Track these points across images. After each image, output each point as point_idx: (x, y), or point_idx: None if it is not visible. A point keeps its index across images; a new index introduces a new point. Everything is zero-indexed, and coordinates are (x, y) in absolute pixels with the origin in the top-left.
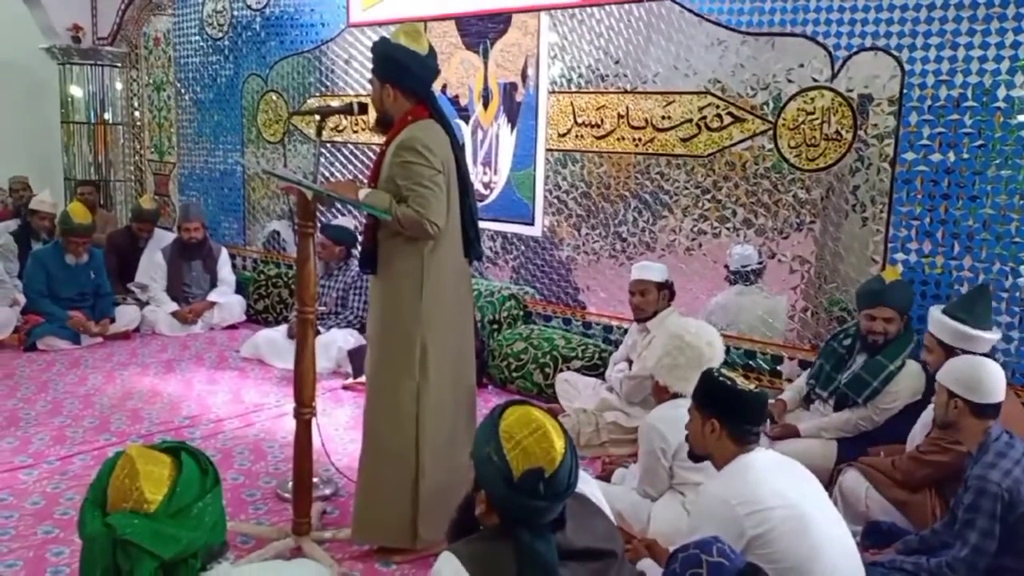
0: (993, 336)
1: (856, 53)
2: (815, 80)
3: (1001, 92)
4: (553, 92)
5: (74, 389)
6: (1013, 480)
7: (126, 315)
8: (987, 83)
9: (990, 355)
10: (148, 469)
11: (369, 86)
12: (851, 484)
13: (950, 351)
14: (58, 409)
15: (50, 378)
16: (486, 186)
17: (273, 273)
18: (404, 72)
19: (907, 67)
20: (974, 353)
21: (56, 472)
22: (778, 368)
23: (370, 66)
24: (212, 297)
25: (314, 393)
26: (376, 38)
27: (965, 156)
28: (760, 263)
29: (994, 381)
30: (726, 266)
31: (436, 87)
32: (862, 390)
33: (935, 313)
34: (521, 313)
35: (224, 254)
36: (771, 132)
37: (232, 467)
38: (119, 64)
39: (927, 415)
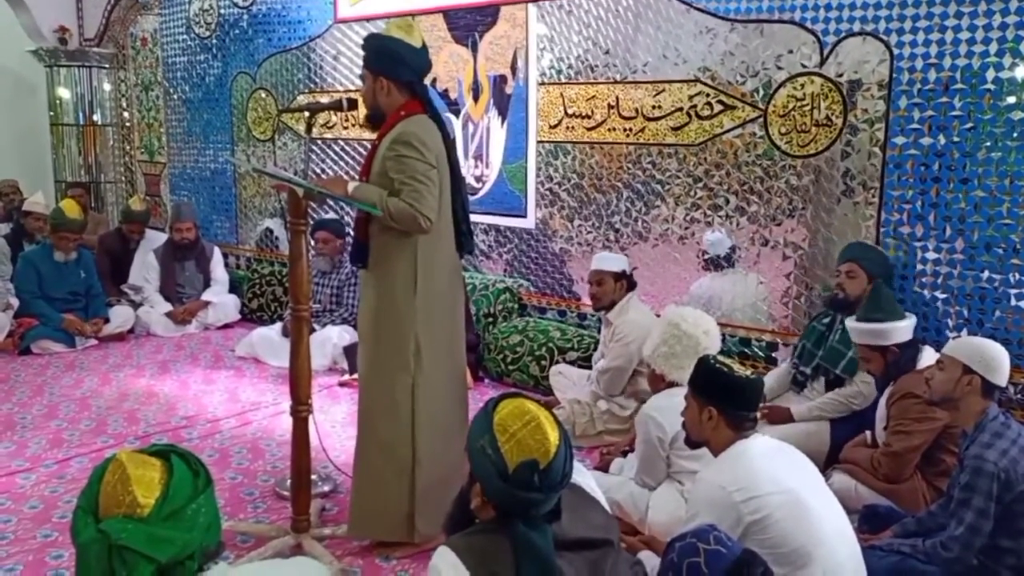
0: (910, 321)
1: (844, 38)
2: (804, 66)
3: (990, 74)
4: (543, 84)
5: (70, 392)
6: (1010, 460)
7: (120, 316)
8: (976, 65)
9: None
10: (139, 473)
11: (358, 81)
12: (840, 485)
13: (884, 352)
14: (54, 412)
15: (45, 381)
16: (478, 179)
17: (267, 271)
18: (399, 64)
19: (896, 51)
20: (905, 346)
21: (54, 475)
22: (773, 355)
23: (359, 61)
24: (206, 297)
25: (310, 390)
26: (364, 33)
27: (955, 139)
28: (732, 248)
29: (1007, 365)
30: (704, 252)
31: (426, 81)
32: (838, 360)
33: (851, 324)
34: (516, 306)
35: (217, 253)
36: (761, 119)
37: (230, 466)
38: (107, 65)
39: (880, 410)
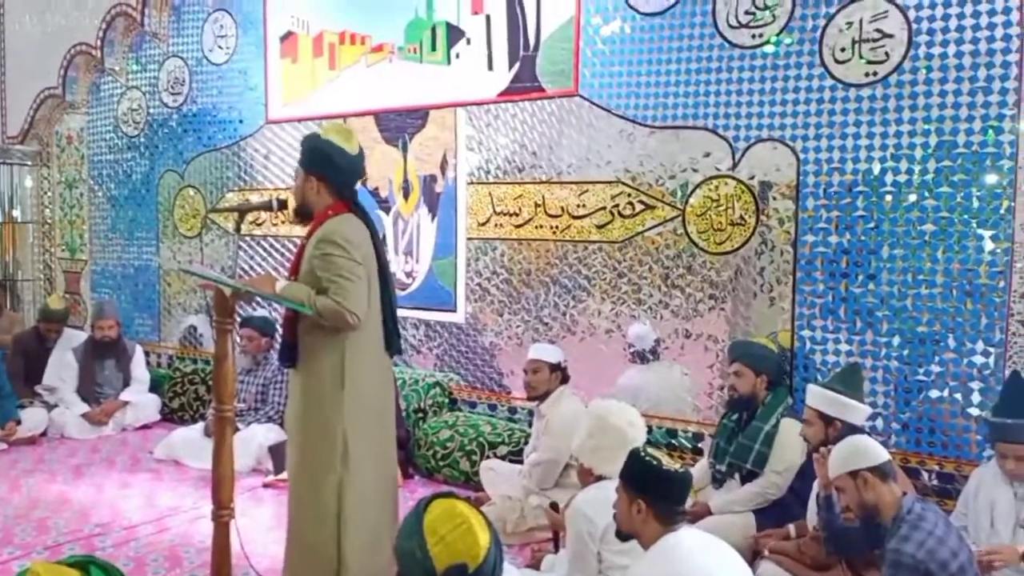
0: (866, 408)
1: (754, 144)
2: (718, 169)
3: (888, 177)
4: (472, 183)
5: None
6: (927, 551)
7: (33, 419)
8: (875, 170)
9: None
10: None
11: (290, 180)
12: (768, 574)
13: (828, 422)
14: None
15: None
16: (408, 275)
17: (189, 369)
18: (332, 167)
19: (802, 156)
20: (851, 423)
21: None
22: (699, 446)
23: (291, 160)
24: (124, 396)
25: (232, 493)
26: (296, 133)
27: (861, 237)
28: (656, 340)
29: (872, 442)
30: (630, 344)
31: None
32: (746, 455)
33: (811, 387)
34: (446, 400)
35: (139, 352)
36: (680, 218)
37: None
38: (29, 163)
39: (812, 505)
